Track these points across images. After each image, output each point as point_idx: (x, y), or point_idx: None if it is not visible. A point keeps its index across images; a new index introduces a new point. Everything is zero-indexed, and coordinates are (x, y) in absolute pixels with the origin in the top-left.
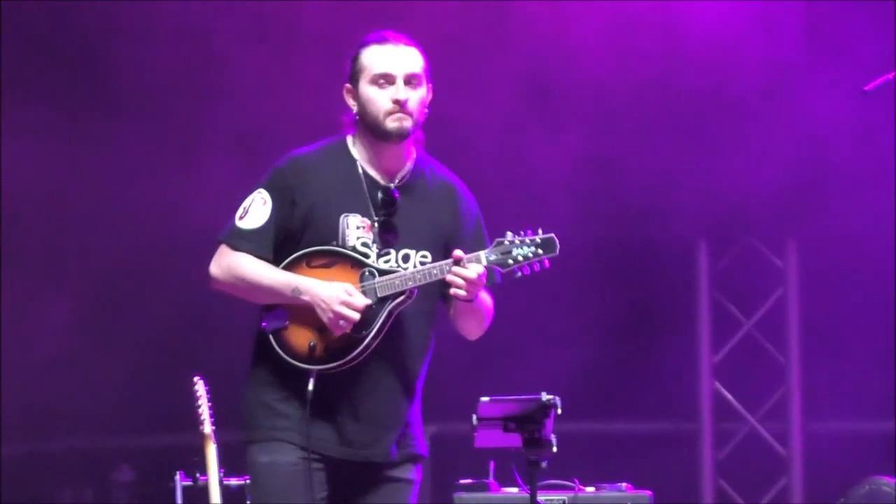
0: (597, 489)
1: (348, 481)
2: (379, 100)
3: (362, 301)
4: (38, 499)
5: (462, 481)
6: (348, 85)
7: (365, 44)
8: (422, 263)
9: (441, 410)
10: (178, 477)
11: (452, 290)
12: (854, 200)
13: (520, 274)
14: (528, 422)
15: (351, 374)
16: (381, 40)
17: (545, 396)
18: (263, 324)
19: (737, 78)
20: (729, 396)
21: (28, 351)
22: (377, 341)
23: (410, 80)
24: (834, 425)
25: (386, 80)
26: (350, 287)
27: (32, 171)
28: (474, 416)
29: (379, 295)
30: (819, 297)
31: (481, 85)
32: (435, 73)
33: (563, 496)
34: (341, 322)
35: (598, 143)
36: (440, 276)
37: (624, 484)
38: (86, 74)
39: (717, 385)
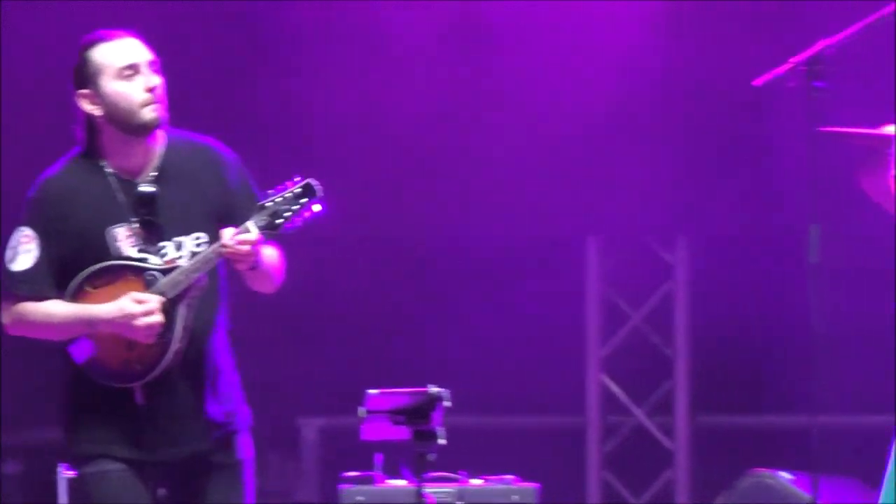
0: (484, 482)
1: (183, 480)
2: (131, 92)
3: (155, 299)
4: None
5: (348, 474)
6: (84, 91)
7: (90, 45)
8: (197, 245)
9: (328, 403)
10: (60, 469)
11: (235, 266)
12: (741, 198)
13: (293, 227)
14: (417, 414)
15: (164, 377)
16: (108, 37)
17: (433, 389)
18: (75, 358)
19: (624, 76)
20: (616, 390)
21: None
22: (186, 338)
23: (151, 67)
24: (720, 419)
25: (133, 70)
26: (135, 294)
27: None
28: (362, 409)
29: (169, 296)
30: (706, 293)
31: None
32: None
33: (451, 489)
34: (149, 330)
35: (491, 142)
36: (219, 258)
37: (511, 477)
38: None
39: (605, 378)
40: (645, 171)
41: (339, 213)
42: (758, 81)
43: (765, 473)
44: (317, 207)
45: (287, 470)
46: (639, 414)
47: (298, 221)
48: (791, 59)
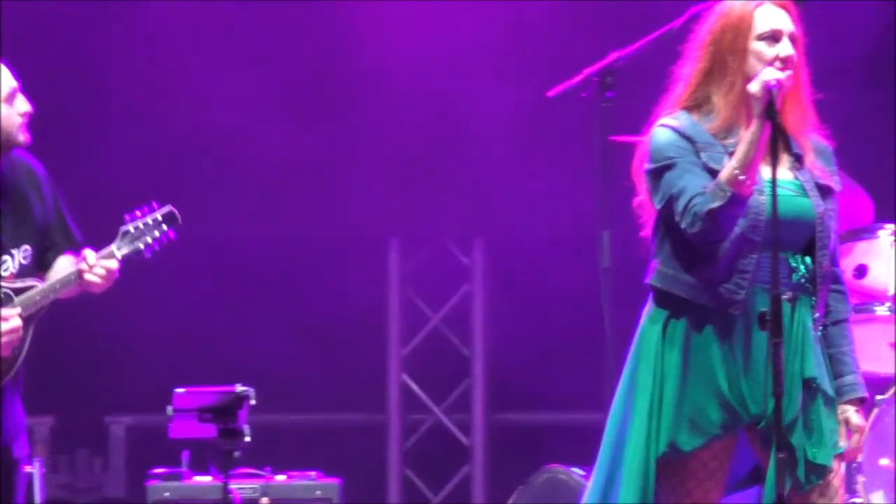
0: (288, 478)
1: None
2: (11, 115)
3: (11, 312)
4: None
5: (155, 471)
6: None
7: None
8: (24, 258)
9: (136, 401)
10: None
11: (89, 287)
12: (536, 203)
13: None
14: (223, 412)
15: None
16: None
17: (239, 388)
18: None
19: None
20: (416, 388)
21: None
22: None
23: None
24: (516, 416)
25: (13, 94)
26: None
27: None
28: (169, 407)
29: (25, 315)
30: (503, 294)
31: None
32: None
33: (256, 485)
34: (9, 346)
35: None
36: (78, 280)
37: (314, 473)
38: None
39: (405, 377)
40: (446, 175)
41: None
42: (551, 92)
43: (558, 469)
44: (172, 235)
45: (96, 467)
46: (437, 412)
47: (157, 247)
48: (584, 71)
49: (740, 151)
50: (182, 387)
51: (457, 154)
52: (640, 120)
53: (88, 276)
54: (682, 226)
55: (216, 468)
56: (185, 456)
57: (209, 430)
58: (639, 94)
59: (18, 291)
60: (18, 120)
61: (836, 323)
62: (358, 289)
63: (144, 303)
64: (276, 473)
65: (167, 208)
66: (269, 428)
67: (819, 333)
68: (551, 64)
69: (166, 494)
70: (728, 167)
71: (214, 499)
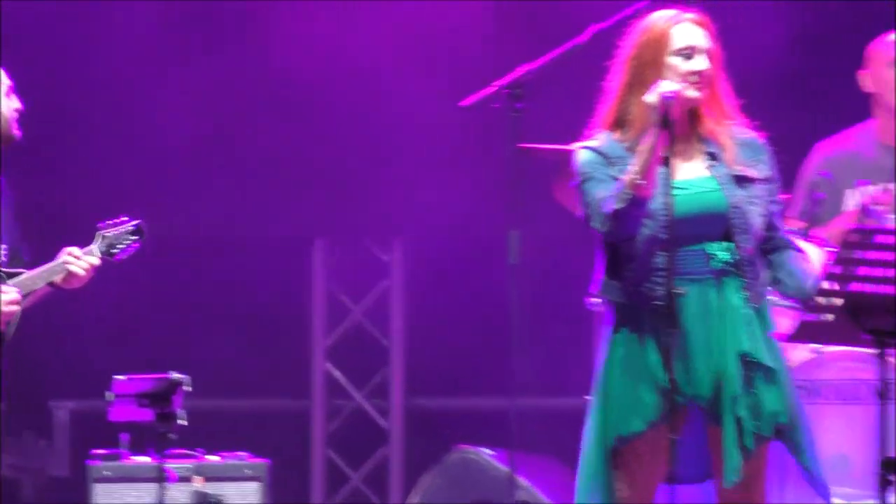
0: (220, 458)
1: None
2: (10, 110)
3: (9, 287)
4: None
5: (96, 451)
6: None
7: None
8: (3, 254)
9: (79, 387)
10: None
11: (67, 281)
12: (451, 204)
13: (120, 259)
14: (160, 398)
15: None
16: None
17: (175, 375)
18: None
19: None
20: (338, 376)
21: None
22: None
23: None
24: (431, 401)
25: (9, 89)
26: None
27: None
28: (109, 393)
29: (23, 293)
30: (420, 289)
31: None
32: None
33: (190, 464)
34: (8, 317)
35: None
36: (63, 271)
37: (244, 453)
38: None
39: (329, 366)
40: (367, 179)
41: (91, 201)
42: (465, 102)
43: (468, 450)
44: (137, 246)
45: (41, 448)
46: (358, 397)
47: (126, 255)
48: (495, 83)
49: (639, 158)
50: (121, 374)
51: (377, 159)
52: (547, 128)
53: (73, 267)
54: (594, 226)
55: (153, 449)
56: (124, 438)
57: (146, 414)
58: (545, 105)
59: (9, 276)
60: (14, 115)
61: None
62: (285, 284)
63: (86, 297)
64: (209, 454)
65: (137, 222)
66: (202, 412)
67: (751, 311)
68: (467, 73)
69: (107, 473)
70: (629, 172)
71: (151, 477)
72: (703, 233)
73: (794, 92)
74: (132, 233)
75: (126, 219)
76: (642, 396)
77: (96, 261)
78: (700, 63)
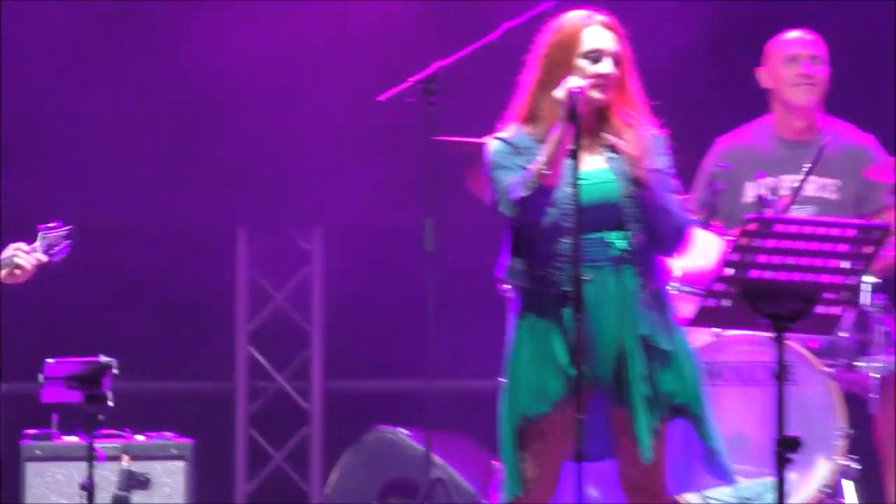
0: (146, 437)
1: None
2: None
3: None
4: None
5: (28, 431)
6: None
7: None
8: None
9: (11, 370)
10: None
11: (11, 276)
12: (370, 194)
13: (55, 260)
14: (88, 380)
15: None
16: None
17: (103, 359)
18: None
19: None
20: (261, 359)
21: None
22: None
23: None
24: (350, 383)
25: None
26: None
27: None
28: (41, 375)
29: None
30: (340, 275)
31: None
32: None
33: (117, 444)
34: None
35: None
36: (10, 267)
37: (169, 433)
38: None
39: (251, 349)
40: (289, 169)
41: (21, 194)
42: (382, 97)
43: (386, 429)
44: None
45: None
46: (280, 380)
47: (61, 256)
48: (410, 79)
49: (546, 149)
50: (52, 357)
51: (299, 152)
52: (460, 121)
53: (21, 259)
54: (502, 211)
55: (82, 429)
56: (55, 418)
57: (76, 396)
58: (458, 99)
59: None
60: None
61: None
62: (210, 271)
63: (17, 286)
64: (136, 434)
65: (70, 227)
66: (129, 394)
67: (649, 296)
68: (387, 69)
69: (38, 452)
70: (537, 162)
71: (80, 456)
72: (602, 222)
73: (700, 90)
74: (66, 236)
75: (60, 223)
76: (547, 379)
77: (43, 258)
78: (606, 66)
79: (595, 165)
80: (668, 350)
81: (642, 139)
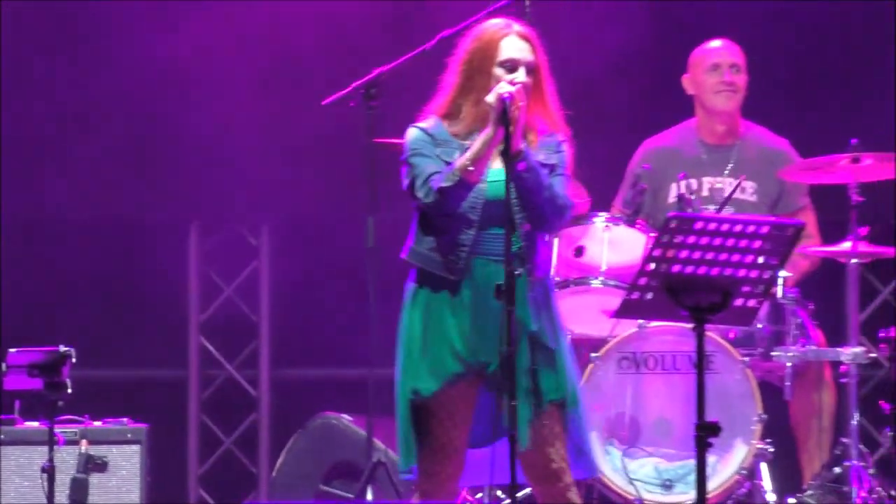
0: (103, 423)
1: None
2: None
3: None
4: None
5: None
6: None
7: None
8: None
9: None
10: None
11: None
12: (314, 193)
13: None
14: (49, 369)
15: None
16: None
17: (63, 348)
18: None
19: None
20: (212, 349)
21: None
22: None
23: None
24: (295, 372)
25: None
26: None
27: None
28: (3, 364)
29: None
30: (285, 270)
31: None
32: None
33: (76, 429)
34: None
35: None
36: None
37: (125, 419)
38: None
39: (203, 339)
40: (240, 169)
41: None
42: (325, 101)
43: (330, 415)
44: None
45: None
46: (230, 368)
47: None
48: (352, 84)
49: (474, 147)
50: (14, 347)
51: (251, 153)
52: (400, 124)
53: None
54: (419, 197)
55: (43, 415)
56: (17, 405)
57: (37, 384)
58: (397, 103)
59: None
60: None
61: None
62: (163, 265)
63: None
64: (94, 419)
65: None
66: (87, 382)
67: (539, 291)
68: (331, 75)
69: (2, 437)
70: (463, 157)
71: (42, 440)
72: (501, 218)
73: (629, 93)
74: None
75: None
76: (441, 359)
77: None
78: (520, 76)
79: (498, 166)
80: (552, 348)
81: (539, 133)
